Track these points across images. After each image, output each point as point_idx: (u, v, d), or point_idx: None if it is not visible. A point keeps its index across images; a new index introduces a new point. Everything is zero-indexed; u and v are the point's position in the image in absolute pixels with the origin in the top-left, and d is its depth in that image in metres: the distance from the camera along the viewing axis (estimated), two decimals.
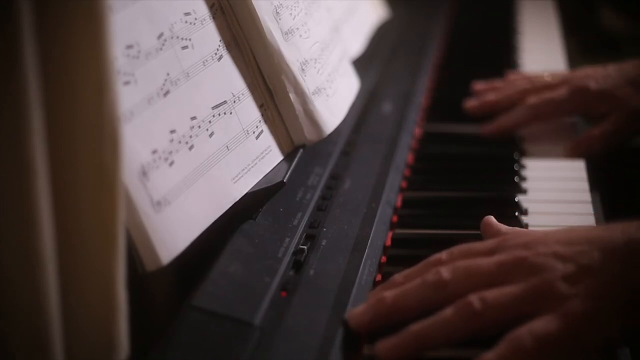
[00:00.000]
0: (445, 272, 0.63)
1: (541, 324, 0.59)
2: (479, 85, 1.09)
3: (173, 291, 0.71)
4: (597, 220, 0.84)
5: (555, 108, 0.99)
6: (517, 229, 0.72)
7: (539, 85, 1.03)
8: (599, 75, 0.99)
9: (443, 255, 0.66)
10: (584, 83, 0.99)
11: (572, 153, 0.97)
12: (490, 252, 0.65)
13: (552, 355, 0.58)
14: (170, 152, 0.67)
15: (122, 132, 0.55)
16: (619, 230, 0.62)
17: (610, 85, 0.97)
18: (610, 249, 0.61)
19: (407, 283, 0.65)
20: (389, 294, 0.64)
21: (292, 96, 0.80)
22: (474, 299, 0.60)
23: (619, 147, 0.99)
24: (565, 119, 1.02)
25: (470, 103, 1.05)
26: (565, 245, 0.63)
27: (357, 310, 0.65)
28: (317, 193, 0.80)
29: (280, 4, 0.82)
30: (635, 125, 0.97)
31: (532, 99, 1.00)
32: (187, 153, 0.68)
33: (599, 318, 0.59)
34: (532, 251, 0.63)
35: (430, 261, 0.66)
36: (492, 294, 0.61)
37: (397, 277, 0.67)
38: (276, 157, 0.79)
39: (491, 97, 1.04)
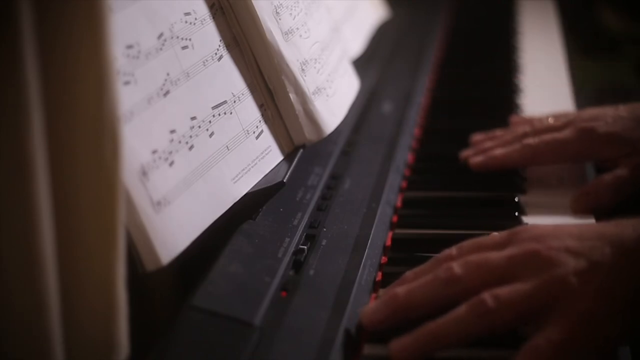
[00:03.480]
0: (456, 267, 0.63)
1: (556, 331, 0.59)
2: (477, 137, 0.96)
3: (173, 291, 0.71)
4: (597, 220, 0.84)
5: (556, 149, 0.89)
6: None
7: (540, 128, 0.92)
8: (608, 116, 0.89)
9: (453, 250, 0.66)
10: (590, 125, 0.88)
11: (578, 205, 0.85)
12: (501, 245, 0.65)
13: (567, 358, 0.59)
14: (170, 152, 0.67)
15: (122, 132, 0.55)
16: (630, 227, 0.62)
17: (619, 128, 0.87)
18: (620, 245, 0.61)
19: (418, 279, 0.64)
20: (401, 290, 0.64)
21: (292, 96, 0.80)
22: (487, 296, 0.60)
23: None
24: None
25: (476, 159, 0.92)
26: (577, 239, 0.62)
27: (369, 308, 0.65)
28: (317, 193, 0.80)
29: (280, 4, 0.82)
30: None
31: (530, 139, 0.90)
32: (187, 153, 0.68)
33: (605, 317, 0.59)
34: (544, 244, 0.62)
35: (440, 257, 0.66)
36: (504, 291, 0.60)
37: (409, 274, 0.66)
38: (276, 157, 0.79)
39: (498, 151, 0.91)
